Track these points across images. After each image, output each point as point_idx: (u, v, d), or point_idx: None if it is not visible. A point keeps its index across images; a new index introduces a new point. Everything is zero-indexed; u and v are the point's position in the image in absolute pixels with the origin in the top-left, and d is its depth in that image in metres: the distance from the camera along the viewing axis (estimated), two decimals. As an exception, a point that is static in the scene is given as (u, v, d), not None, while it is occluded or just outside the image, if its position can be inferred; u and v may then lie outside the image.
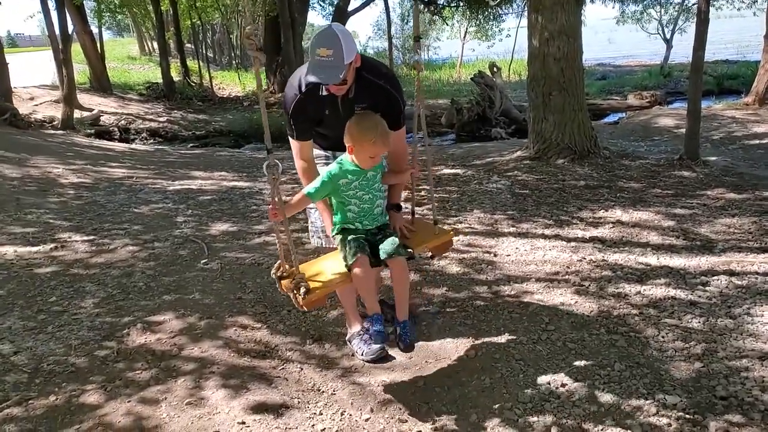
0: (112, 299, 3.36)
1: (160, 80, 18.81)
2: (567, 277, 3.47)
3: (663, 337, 2.73)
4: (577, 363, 2.55)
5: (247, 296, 3.39)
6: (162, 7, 19.25)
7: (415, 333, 2.70)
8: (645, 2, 16.83)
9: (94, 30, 18.34)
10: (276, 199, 2.16)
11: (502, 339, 2.78)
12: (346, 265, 2.31)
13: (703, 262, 3.60)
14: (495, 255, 3.87)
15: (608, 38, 35.78)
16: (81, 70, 18.27)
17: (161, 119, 15.15)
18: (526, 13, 6.73)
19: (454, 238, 3.52)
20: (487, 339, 2.79)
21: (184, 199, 5.68)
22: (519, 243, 4.07)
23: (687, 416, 2.16)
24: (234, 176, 7.03)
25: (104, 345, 2.85)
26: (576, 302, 3.13)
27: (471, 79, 12.22)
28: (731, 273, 3.39)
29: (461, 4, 16.70)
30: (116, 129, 13.56)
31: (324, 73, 2.15)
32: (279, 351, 2.79)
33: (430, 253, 2.83)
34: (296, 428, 2.22)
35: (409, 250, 2.45)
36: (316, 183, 2.35)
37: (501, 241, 4.13)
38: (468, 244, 4.09)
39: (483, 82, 10.85)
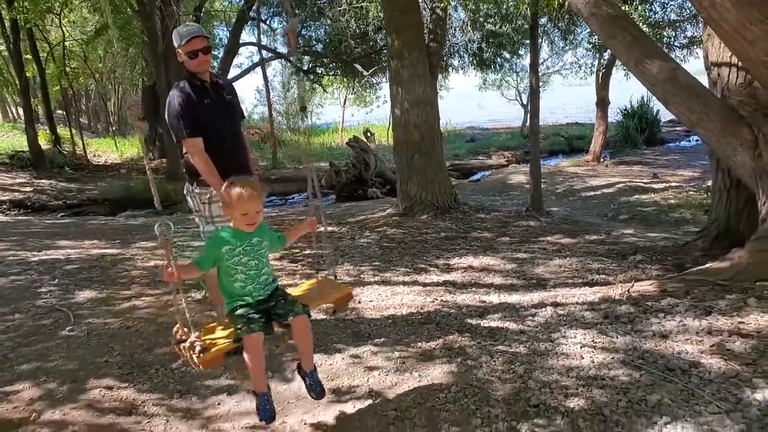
0: (-37, 375, 3.24)
1: (27, 149, 17.69)
2: (420, 317, 3.88)
3: (494, 361, 3.17)
4: (418, 386, 2.90)
5: (114, 359, 3.41)
6: (27, 73, 18.34)
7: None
8: (503, 71, 18.89)
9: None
10: (170, 261, 2.24)
11: (360, 375, 3.08)
12: (237, 339, 2.38)
13: (535, 297, 4.18)
14: (359, 302, 4.21)
15: (478, 103, 39.02)
16: (-68, 140, 16.81)
17: (26, 189, 14.22)
18: (389, 85, 7.44)
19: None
20: (346, 377, 3.08)
21: (49, 269, 5.48)
22: (381, 290, 4.46)
23: (505, 423, 2.57)
24: (105, 243, 6.87)
25: (-47, 420, 2.76)
26: (425, 336, 3.52)
27: (347, 143, 12.93)
28: (556, 304, 3.98)
29: (338, 73, 17.74)
30: (-28, 201, 12.55)
31: (196, 29, 3.00)
32: (144, 407, 2.87)
33: (332, 308, 3.03)
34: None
35: (306, 307, 2.54)
36: (202, 252, 2.43)
37: (365, 290, 4.49)
38: (335, 295, 4.40)
39: (358, 146, 11.57)
